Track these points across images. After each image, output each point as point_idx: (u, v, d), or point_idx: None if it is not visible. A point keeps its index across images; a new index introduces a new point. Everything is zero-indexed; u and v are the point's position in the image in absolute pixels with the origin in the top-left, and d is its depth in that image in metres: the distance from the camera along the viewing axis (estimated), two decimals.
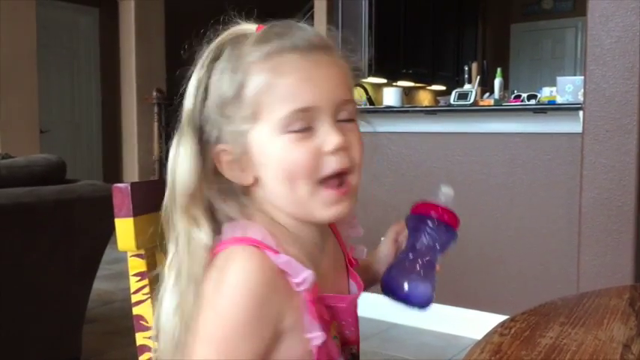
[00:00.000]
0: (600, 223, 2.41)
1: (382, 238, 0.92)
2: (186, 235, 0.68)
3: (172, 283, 0.68)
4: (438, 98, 4.14)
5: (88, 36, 6.17)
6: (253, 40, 0.70)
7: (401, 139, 3.01)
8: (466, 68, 3.66)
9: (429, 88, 5.78)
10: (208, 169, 0.70)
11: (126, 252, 0.75)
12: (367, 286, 0.86)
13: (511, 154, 2.79)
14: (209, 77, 0.71)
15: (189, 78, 0.73)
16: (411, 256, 0.82)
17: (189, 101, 0.71)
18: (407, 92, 5.27)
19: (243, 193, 0.72)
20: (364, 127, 0.76)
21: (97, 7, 6.06)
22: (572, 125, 2.57)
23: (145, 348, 0.75)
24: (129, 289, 0.76)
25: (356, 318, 0.78)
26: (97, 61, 6.18)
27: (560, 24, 6.41)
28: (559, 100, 2.72)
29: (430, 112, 2.96)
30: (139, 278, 0.75)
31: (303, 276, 0.66)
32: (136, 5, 5.36)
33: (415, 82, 5.39)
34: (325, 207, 0.69)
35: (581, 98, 2.55)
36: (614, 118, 2.38)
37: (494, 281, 2.84)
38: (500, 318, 0.87)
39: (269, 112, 0.67)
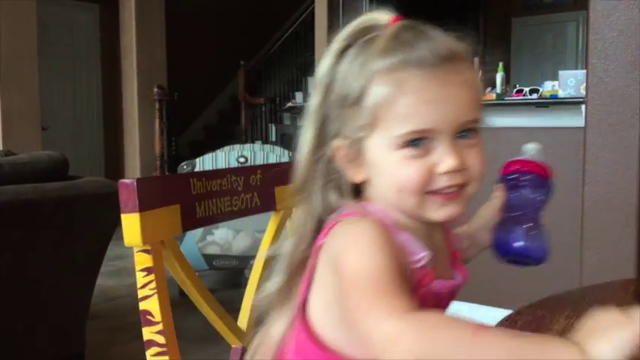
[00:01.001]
0: (603, 217, 2.41)
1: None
2: (301, 213, 0.73)
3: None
4: None
5: (88, 33, 6.16)
6: (381, 46, 0.67)
7: None
8: None
9: None
10: (325, 158, 0.72)
11: (132, 248, 0.76)
12: (470, 259, 0.88)
13: (513, 148, 2.78)
14: (336, 71, 0.70)
15: (320, 63, 0.72)
16: (514, 213, 0.82)
17: (317, 89, 0.72)
18: None
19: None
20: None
21: (97, 4, 6.05)
22: (575, 119, 2.57)
23: (152, 343, 0.75)
24: (133, 285, 0.76)
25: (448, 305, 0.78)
26: (98, 57, 6.17)
27: (562, 18, 6.39)
28: (561, 94, 2.72)
29: None
30: (145, 273, 0.75)
31: (422, 254, 0.68)
32: (137, 2, 5.36)
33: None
34: (435, 210, 0.69)
35: (583, 92, 2.55)
36: (617, 112, 2.38)
37: (498, 275, 2.85)
38: (503, 312, 0.87)
39: (386, 126, 0.67)
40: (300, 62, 6.79)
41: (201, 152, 3.71)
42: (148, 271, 0.75)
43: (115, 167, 5.80)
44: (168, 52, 5.68)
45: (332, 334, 0.69)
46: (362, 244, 0.64)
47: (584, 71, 2.51)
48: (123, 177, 5.66)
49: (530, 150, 0.84)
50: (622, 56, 2.37)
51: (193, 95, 6.45)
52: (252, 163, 3.38)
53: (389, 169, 0.68)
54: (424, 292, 0.68)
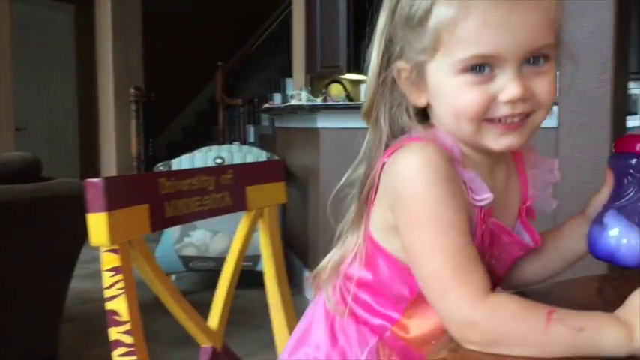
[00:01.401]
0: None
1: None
2: (370, 137, 0.73)
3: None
4: None
5: (63, 33, 6.09)
6: None
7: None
8: None
9: None
10: (389, 80, 0.71)
11: (99, 248, 0.75)
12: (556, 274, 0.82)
13: None
14: None
15: None
16: (620, 204, 0.69)
17: (384, 8, 0.71)
18: None
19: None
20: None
21: (72, 4, 5.99)
22: (548, 119, 2.61)
23: (119, 343, 0.75)
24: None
25: (513, 261, 0.77)
26: (73, 58, 6.10)
27: None
28: None
29: None
30: (112, 273, 0.75)
31: (485, 195, 0.67)
32: (113, 1, 5.31)
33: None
34: (494, 139, 0.66)
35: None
36: (588, 113, 2.42)
37: None
38: None
39: (448, 50, 0.64)
40: (278, 63, 6.78)
41: (179, 153, 3.69)
42: (115, 270, 0.75)
43: (90, 169, 5.74)
44: (145, 52, 5.64)
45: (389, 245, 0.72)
46: (426, 174, 0.63)
47: (557, 72, 2.55)
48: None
49: None
50: (593, 58, 2.41)
51: (171, 96, 6.41)
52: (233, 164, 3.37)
53: (448, 94, 0.66)
54: (483, 229, 0.68)
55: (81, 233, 2.33)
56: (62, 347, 2.33)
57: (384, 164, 0.70)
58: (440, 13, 0.64)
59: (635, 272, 1.00)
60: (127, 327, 0.74)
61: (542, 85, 0.65)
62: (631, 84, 5.26)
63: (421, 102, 0.71)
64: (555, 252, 0.81)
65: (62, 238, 2.18)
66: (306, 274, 3.35)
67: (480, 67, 0.64)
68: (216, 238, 3.35)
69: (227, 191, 0.99)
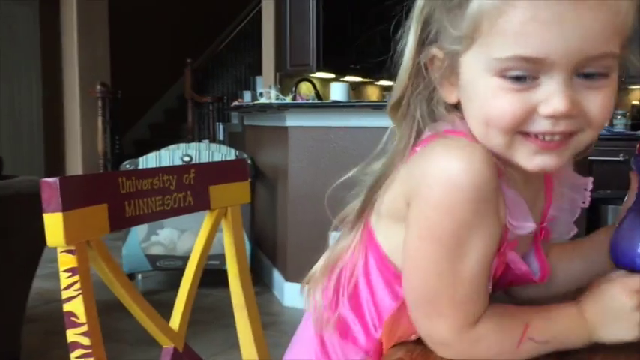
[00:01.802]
0: None
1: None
2: (398, 127, 0.64)
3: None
4: (385, 93, 4.20)
5: (28, 28, 5.95)
6: None
7: (348, 134, 3.03)
8: None
9: (376, 83, 5.83)
10: (421, 67, 0.62)
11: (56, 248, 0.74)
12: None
13: None
14: None
15: None
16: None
17: None
18: (354, 87, 5.31)
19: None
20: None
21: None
22: None
23: (76, 345, 0.74)
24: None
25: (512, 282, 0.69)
26: (38, 53, 5.97)
27: None
28: None
29: (377, 107, 3.00)
30: (69, 274, 0.74)
31: (527, 224, 0.59)
32: None
33: (363, 77, 5.43)
34: (527, 156, 0.57)
35: None
36: None
37: None
38: None
39: (487, 43, 0.55)
40: (248, 61, 6.76)
41: (147, 151, 3.65)
42: (72, 271, 0.74)
43: (56, 167, 5.63)
44: (113, 48, 5.56)
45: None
46: (464, 184, 0.54)
47: None
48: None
49: None
50: None
51: (139, 93, 6.33)
52: (197, 163, 3.34)
53: (480, 96, 0.57)
54: (498, 255, 0.60)
55: (44, 232, 2.29)
56: (25, 348, 2.29)
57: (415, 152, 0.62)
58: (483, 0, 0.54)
59: None
60: (84, 329, 0.73)
61: (595, 102, 0.55)
62: None
63: (452, 98, 0.61)
64: (582, 263, 0.74)
65: (24, 237, 2.14)
66: (275, 272, 3.34)
67: (522, 77, 0.54)
68: (184, 236, 3.33)
69: (189, 191, 0.98)
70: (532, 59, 0.53)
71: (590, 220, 2.81)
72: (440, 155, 0.57)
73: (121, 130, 5.66)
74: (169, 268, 3.34)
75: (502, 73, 0.55)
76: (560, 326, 0.60)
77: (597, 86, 0.55)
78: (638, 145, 0.64)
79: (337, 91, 3.74)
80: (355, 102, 3.64)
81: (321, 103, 3.41)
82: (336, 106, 3.17)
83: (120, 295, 0.85)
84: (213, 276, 2.06)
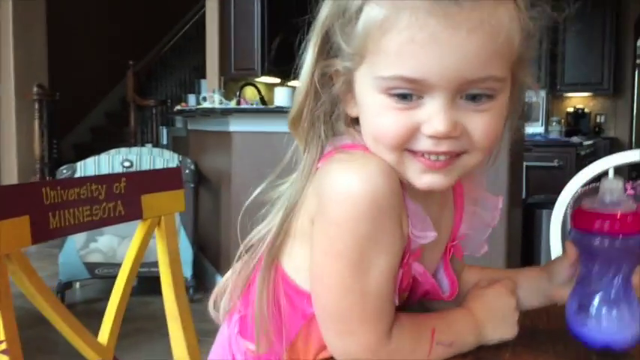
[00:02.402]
0: None
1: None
2: (301, 143, 0.64)
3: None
4: None
5: None
6: None
7: (291, 140, 3.03)
8: None
9: None
10: (325, 79, 0.61)
11: None
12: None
13: None
14: None
15: None
16: (590, 288, 0.62)
17: (327, 0, 0.60)
18: None
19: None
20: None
21: None
22: None
23: None
24: None
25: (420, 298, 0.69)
26: None
27: None
28: None
29: None
30: None
31: (429, 234, 0.59)
32: None
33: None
34: (416, 174, 0.57)
35: None
36: None
37: None
38: None
39: (373, 61, 0.55)
40: (193, 64, 6.67)
41: (87, 155, 3.54)
42: None
43: None
44: (51, 49, 5.38)
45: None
46: (365, 198, 0.54)
47: None
48: None
49: (613, 189, 0.60)
50: None
51: (79, 95, 6.15)
52: (138, 168, 3.27)
53: (369, 113, 0.57)
54: (404, 271, 0.61)
55: None
56: None
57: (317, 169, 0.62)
58: (370, 14, 0.54)
59: None
60: (2, 346, 0.70)
61: (479, 124, 0.55)
62: (531, 92, 5.57)
63: (354, 112, 0.61)
64: None
65: None
66: (218, 278, 3.30)
67: (406, 95, 0.54)
68: (125, 243, 3.25)
69: (120, 200, 0.96)
70: (412, 80, 0.53)
71: (526, 225, 2.91)
72: (337, 170, 0.57)
73: (60, 133, 5.49)
74: (109, 276, 3.25)
75: (387, 92, 0.55)
76: (459, 327, 0.63)
77: (482, 109, 0.55)
78: (573, 216, 0.63)
79: (281, 96, 3.74)
80: None
81: (265, 109, 3.40)
82: (280, 111, 3.17)
83: (43, 310, 0.83)
84: (155, 283, 2.02)
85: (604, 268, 0.61)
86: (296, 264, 0.64)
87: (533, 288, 0.71)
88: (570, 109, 6.22)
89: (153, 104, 5.95)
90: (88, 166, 3.24)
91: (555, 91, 6.05)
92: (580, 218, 0.61)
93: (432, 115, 0.54)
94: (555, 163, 4.09)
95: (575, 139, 4.68)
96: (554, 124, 5.52)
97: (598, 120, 6.20)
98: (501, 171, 2.53)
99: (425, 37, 0.51)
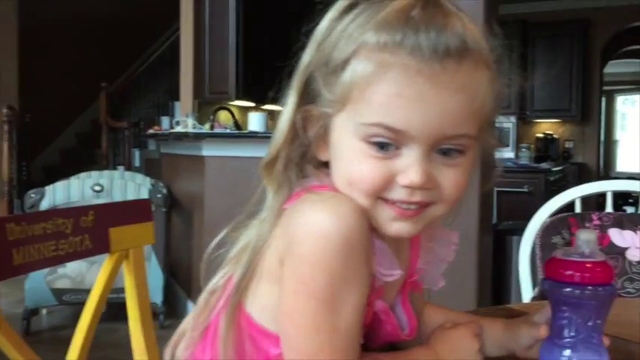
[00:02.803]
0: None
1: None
2: (272, 186, 0.64)
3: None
4: None
5: None
6: (384, 16, 0.57)
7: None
8: None
9: None
10: (299, 124, 0.63)
11: None
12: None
13: None
14: (333, 28, 0.60)
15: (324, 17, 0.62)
16: (565, 338, 0.63)
17: (312, 44, 0.62)
18: (273, 117, 5.35)
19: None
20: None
21: None
22: None
23: None
24: None
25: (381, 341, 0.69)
26: None
27: None
28: None
29: None
30: None
31: (394, 272, 0.61)
32: None
33: (281, 106, 5.46)
34: (387, 221, 0.60)
35: None
36: None
37: None
38: None
39: (355, 109, 0.58)
40: (166, 86, 6.65)
41: (57, 177, 3.49)
42: None
43: None
44: (21, 71, 5.32)
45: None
46: (335, 236, 0.56)
47: None
48: None
49: (587, 242, 0.62)
50: None
51: (49, 117, 6.08)
52: (110, 192, 3.23)
53: (346, 157, 0.60)
54: (367, 309, 0.61)
55: None
56: None
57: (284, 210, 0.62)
58: (357, 68, 0.58)
59: (488, 309, 1.06)
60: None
61: (448, 179, 0.59)
62: (501, 118, 5.68)
63: (325, 157, 0.64)
64: None
65: None
66: (189, 305, 3.26)
67: (385, 144, 0.57)
68: (93, 268, 3.19)
69: (87, 234, 0.95)
70: (395, 129, 0.56)
71: (496, 251, 2.94)
72: (307, 209, 0.58)
73: (30, 155, 5.41)
74: (76, 302, 3.18)
75: (367, 139, 0.58)
76: None
77: (453, 164, 0.59)
78: (546, 265, 0.64)
79: (255, 121, 3.75)
80: (271, 132, 3.64)
81: (238, 134, 3.40)
82: (253, 136, 3.17)
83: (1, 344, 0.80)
84: (124, 309, 1.99)
85: (575, 317, 0.62)
86: (261, 304, 0.64)
87: (496, 341, 0.73)
88: (540, 135, 6.35)
89: (125, 126, 5.91)
90: (58, 191, 3.18)
91: (525, 117, 6.17)
92: (552, 267, 0.63)
93: (409, 166, 0.57)
94: (525, 189, 4.15)
95: (544, 165, 4.77)
96: (523, 150, 5.63)
97: (567, 146, 6.34)
98: (472, 197, 2.56)
99: (412, 93, 0.55)
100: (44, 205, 3.13)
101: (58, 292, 3.16)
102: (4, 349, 0.81)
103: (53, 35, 6.26)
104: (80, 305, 3.22)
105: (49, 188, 3.19)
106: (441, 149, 0.58)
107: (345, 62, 0.58)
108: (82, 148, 6.85)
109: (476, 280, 2.57)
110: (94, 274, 3.18)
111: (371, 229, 0.60)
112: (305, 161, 0.65)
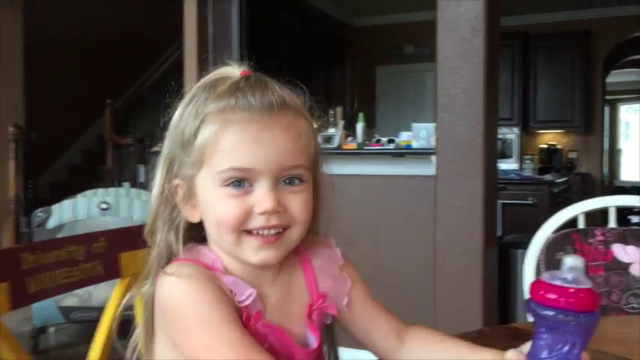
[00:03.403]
0: (452, 260, 2.60)
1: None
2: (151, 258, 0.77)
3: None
4: None
5: None
6: (219, 91, 0.72)
7: None
8: (331, 112, 3.81)
9: None
10: (169, 199, 0.76)
11: None
12: None
13: (373, 195, 2.93)
14: (182, 116, 0.75)
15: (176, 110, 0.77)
16: (537, 352, 0.66)
17: (169, 135, 0.76)
18: None
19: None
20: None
21: None
22: (427, 168, 2.76)
23: None
24: None
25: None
26: None
27: (421, 68, 6.86)
28: (414, 144, 2.91)
29: None
30: None
31: (246, 293, 0.71)
32: None
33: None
34: (252, 252, 0.72)
35: (433, 143, 2.75)
36: (462, 163, 2.59)
37: None
38: (365, 354, 0.88)
39: (211, 162, 0.71)
40: (170, 102, 6.68)
41: (63, 194, 3.51)
42: None
43: None
44: (27, 88, 5.36)
45: None
46: (184, 285, 0.69)
47: (434, 124, 2.72)
48: None
49: (572, 267, 0.64)
50: (466, 111, 2.60)
51: (55, 134, 6.11)
52: (116, 210, 3.25)
53: (211, 205, 0.72)
54: (251, 330, 0.71)
55: None
56: None
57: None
58: (205, 131, 0.71)
59: (491, 330, 1.08)
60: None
61: (295, 203, 0.72)
62: (504, 129, 5.69)
63: (195, 218, 0.75)
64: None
65: None
66: None
67: (239, 181, 0.70)
68: (100, 286, 3.19)
69: (99, 260, 0.97)
70: (244, 169, 0.70)
71: (502, 264, 2.95)
72: (162, 280, 0.71)
73: (36, 172, 5.44)
74: (84, 320, 3.20)
75: (224, 183, 0.71)
76: None
77: (297, 190, 0.73)
78: (531, 287, 0.66)
79: None
80: None
81: None
82: None
83: None
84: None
85: (556, 341, 0.64)
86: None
87: None
88: (543, 146, 6.36)
89: (130, 142, 5.94)
90: (65, 209, 3.21)
91: (528, 128, 6.18)
92: (537, 289, 0.65)
93: (262, 197, 0.71)
94: (530, 201, 4.16)
95: (548, 177, 4.77)
96: (527, 161, 5.63)
97: (570, 156, 6.34)
98: (476, 209, 2.57)
99: (251, 137, 0.70)
100: (51, 223, 3.15)
101: (65, 310, 3.18)
102: None
103: (57, 53, 6.32)
104: (88, 323, 3.24)
105: (55, 207, 3.22)
106: (285, 179, 0.72)
107: (197, 131, 0.72)
108: (88, 164, 6.88)
109: (481, 293, 2.57)
110: (101, 292, 3.19)
111: (217, 272, 0.72)
112: (180, 228, 0.76)
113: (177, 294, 0.69)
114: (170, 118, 0.77)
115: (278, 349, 0.74)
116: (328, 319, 0.82)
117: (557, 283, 0.63)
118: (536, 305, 0.64)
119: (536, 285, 0.65)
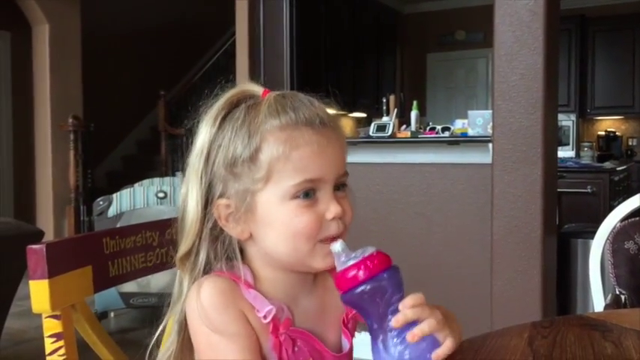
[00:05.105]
0: (510, 250, 2.55)
1: None
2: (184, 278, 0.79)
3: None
4: (358, 130, 4.26)
5: None
6: (269, 107, 0.75)
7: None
8: (384, 100, 3.79)
9: (350, 115, 5.91)
10: (211, 218, 0.77)
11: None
12: None
13: (427, 183, 2.90)
14: (218, 137, 0.76)
15: (198, 129, 0.79)
16: (382, 336, 0.71)
17: (197, 152, 0.77)
18: None
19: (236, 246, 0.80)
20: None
21: (8, 32, 5.82)
22: (483, 156, 2.72)
23: None
24: (41, 327, 0.75)
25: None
26: (9, 87, 5.91)
27: (473, 54, 6.74)
28: (470, 132, 2.87)
29: (351, 144, 3.04)
30: (54, 339, 0.74)
31: (266, 309, 0.75)
32: (50, 29, 5.21)
33: (337, 109, 5.49)
34: (322, 259, 0.75)
35: (490, 131, 2.70)
36: (521, 150, 2.54)
37: None
38: None
39: (280, 178, 0.74)
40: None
41: (119, 183, 3.61)
42: (57, 337, 0.74)
43: (25, 202, 5.53)
44: (85, 81, 5.53)
45: None
46: (204, 304, 0.72)
47: (491, 111, 2.67)
48: (34, 212, 5.33)
49: (340, 249, 0.74)
50: (524, 98, 2.54)
51: (111, 125, 6.29)
52: (172, 198, 3.33)
53: (283, 220, 0.74)
54: (285, 341, 0.76)
55: (16, 274, 2.25)
56: None
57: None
58: (271, 149, 0.73)
59: (563, 319, 1.06)
60: None
61: (347, 207, 0.77)
62: (561, 116, 5.54)
63: (245, 235, 0.77)
64: None
65: None
66: None
67: (307, 192, 0.74)
68: (158, 273, 3.29)
69: (172, 245, 0.99)
70: (314, 180, 0.74)
71: (561, 255, 2.88)
72: (190, 294, 0.75)
73: (93, 162, 5.61)
74: (143, 306, 3.30)
75: (296, 195, 0.74)
76: None
77: (344, 195, 0.78)
78: (335, 282, 0.72)
79: None
80: None
81: None
82: None
83: (102, 355, 0.85)
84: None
85: (378, 311, 0.70)
86: None
87: None
88: (601, 133, 6.16)
89: (183, 133, 6.05)
90: (124, 198, 3.31)
91: (585, 115, 6.00)
92: (340, 281, 0.71)
93: (328, 203, 0.75)
94: (589, 190, 4.04)
95: (607, 165, 4.62)
96: (585, 149, 5.47)
97: (630, 143, 6.12)
98: (535, 198, 2.52)
99: (318, 150, 0.74)
100: (111, 211, 3.26)
101: (125, 296, 3.28)
102: (96, 348, 0.86)
103: (113, 46, 6.48)
104: (146, 308, 3.33)
105: (115, 196, 3.32)
106: (336, 185, 0.76)
107: (257, 150, 0.74)
108: (143, 154, 7.05)
109: (540, 283, 2.52)
110: (158, 278, 3.28)
111: (240, 287, 0.75)
112: (223, 243, 0.78)
113: (195, 309, 0.73)
114: (194, 138, 0.79)
115: (307, 353, 0.78)
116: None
117: (351, 262, 0.70)
118: (348, 294, 0.70)
119: (338, 278, 0.71)
